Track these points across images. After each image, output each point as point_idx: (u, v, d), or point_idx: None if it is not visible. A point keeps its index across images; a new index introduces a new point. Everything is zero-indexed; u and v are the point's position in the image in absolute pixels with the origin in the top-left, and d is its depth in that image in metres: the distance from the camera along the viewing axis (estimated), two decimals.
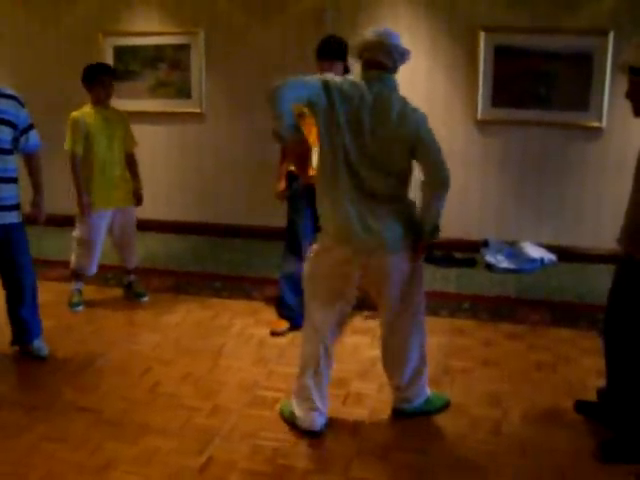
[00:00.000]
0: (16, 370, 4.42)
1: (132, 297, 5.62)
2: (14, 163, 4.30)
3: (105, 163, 5.25)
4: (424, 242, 3.57)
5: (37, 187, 4.55)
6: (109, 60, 7.61)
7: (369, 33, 3.44)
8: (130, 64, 7.70)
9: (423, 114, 3.46)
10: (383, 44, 3.39)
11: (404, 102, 3.45)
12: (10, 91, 4.31)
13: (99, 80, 5.19)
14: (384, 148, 3.36)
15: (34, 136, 4.45)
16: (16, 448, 3.45)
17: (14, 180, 4.29)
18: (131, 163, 5.49)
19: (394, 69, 3.47)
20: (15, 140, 4.30)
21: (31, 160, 4.52)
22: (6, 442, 3.51)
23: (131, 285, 5.67)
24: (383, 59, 3.40)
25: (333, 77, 3.39)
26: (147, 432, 3.61)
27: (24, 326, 4.48)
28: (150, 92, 7.64)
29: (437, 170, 3.45)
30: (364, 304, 4.80)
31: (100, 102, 5.23)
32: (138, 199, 5.50)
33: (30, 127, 4.41)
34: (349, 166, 3.36)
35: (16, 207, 4.31)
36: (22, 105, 4.32)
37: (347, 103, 3.32)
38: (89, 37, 7.68)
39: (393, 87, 3.44)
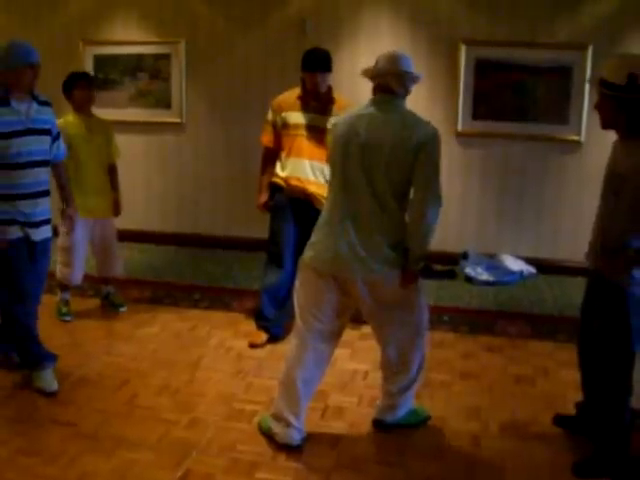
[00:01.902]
0: None
1: (110, 308, 5.57)
2: (48, 175, 4.21)
3: (87, 173, 5.21)
4: (413, 269, 3.53)
5: (69, 197, 4.52)
6: (89, 69, 7.56)
7: (382, 59, 3.51)
8: (110, 73, 7.66)
9: (434, 128, 3.45)
10: (395, 72, 3.45)
11: (414, 116, 3.49)
12: (44, 97, 4.18)
13: (78, 87, 5.16)
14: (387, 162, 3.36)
15: (62, 144, 4.37)
16: None
17: (49, 193, 4.18)
18: (112, 173, 5.45)
19: (404, 94, 3.53)
20: (50, 149, 4.19)
21: (61, 169, 4.44)
22: None
23: (109, 296, 5.62)
24: (394, 86, 3.46)
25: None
26: (123, 445, 3.57)
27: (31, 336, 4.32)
28: (130, 101, 7.60)
29: (432, 184, 3.41)
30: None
31: (81, 109, 5.20)
32: (116, 210, 5.46)
33: (59, 134, 4.32)
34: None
35: (50, 221, 4.21)
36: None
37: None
38: (69, 45, 7.63)
39: (402, 108, 3.50)
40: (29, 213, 4.02)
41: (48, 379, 4.17)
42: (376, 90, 3.52)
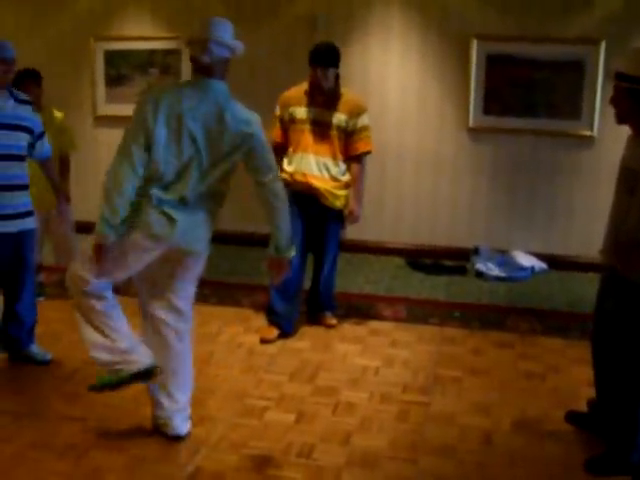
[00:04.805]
0: (4, 377, 4.36)
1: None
2: (26, 170, 4.29)
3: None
4: (285, 258, 3.56)
5: (59, 190, 4.64)
6: (100, 64, 7.59)
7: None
8: (121, 68, 7.67)
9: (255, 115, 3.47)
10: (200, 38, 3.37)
11: (236, 106, 3.46)
12: (25, 96, 4.30)
13: (25, 83, 5.19)
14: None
15: (47, 141, 4.45)
16: (1, 456, 3.41)
17: (27, 187, 4.28)
18: (62, 165, 5.49)
19: (220, 71, 3.45)
20: (30, 146, 4.27)
21: (48, 165, 4.54)
22: None
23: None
24: (197, 54, 3.37)
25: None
26: (134, 441, 3.57)
27: (23, 329, 4.44)
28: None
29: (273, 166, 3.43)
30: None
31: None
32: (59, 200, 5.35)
33: (43, 133, 4.40)
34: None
35: (31, 213, 4.31)
36: (35, 110, 4.29)
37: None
38: (80, 41, 7.64)
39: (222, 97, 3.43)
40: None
41: None
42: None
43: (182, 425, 3.59)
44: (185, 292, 3.63)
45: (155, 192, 3.26)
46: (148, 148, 3.21)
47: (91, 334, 3.42)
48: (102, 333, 3.42)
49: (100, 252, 3.24)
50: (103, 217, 3.18)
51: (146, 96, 3.30)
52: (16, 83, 5.17)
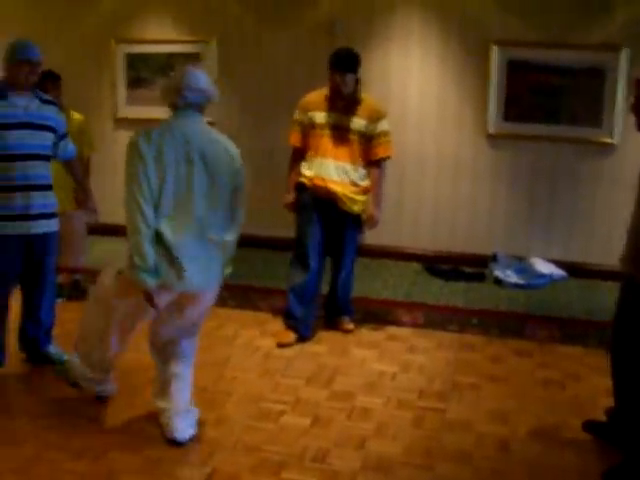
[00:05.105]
0: (21, 378, 4.39)
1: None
2: (50, 170, 4.31)
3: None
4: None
5: (87, 190, 4.64)
6: (120, 67, 7.64)
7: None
8: (142, 71, 7.70)
9: None
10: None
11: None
12: (48, 97, 4.33)
13: (41, 88, 5.23)
14: None
15: (70, 142, 4.46)
16: (19, 456, 3.43)
17: (52, 187, 4.30)
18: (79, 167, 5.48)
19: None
20: (54, 146, 4.29)
21: (73, 165, 4.55)
22: (10, 450, 3.49)
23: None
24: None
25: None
26: (151, 442, 3.58)
27: (42, 329, 4.47)
28: (161, 100, 7.62)
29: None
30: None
31: None
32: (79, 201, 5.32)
33: (67, 133, 4.42)
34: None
35: (55, 215, 4.32)
36: (59, 111, 4.34)
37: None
38: (101, 43, 7.68)
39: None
40: (24, 206, 4.11)
41: None
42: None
43: (183, 429, 3.59)
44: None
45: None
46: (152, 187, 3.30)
47: (93, 328, 3.70)
48: (102, 335, 3.64)
49: (150, 299, 3.37)
50: (136, 266, 3.29)
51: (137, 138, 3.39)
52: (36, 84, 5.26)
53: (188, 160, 3.35)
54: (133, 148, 3.32)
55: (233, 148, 3.56)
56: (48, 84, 5.32)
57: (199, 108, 3.56)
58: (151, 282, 3.29)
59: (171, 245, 3.31)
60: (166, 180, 3.30)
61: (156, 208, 3.30)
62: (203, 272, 3.42)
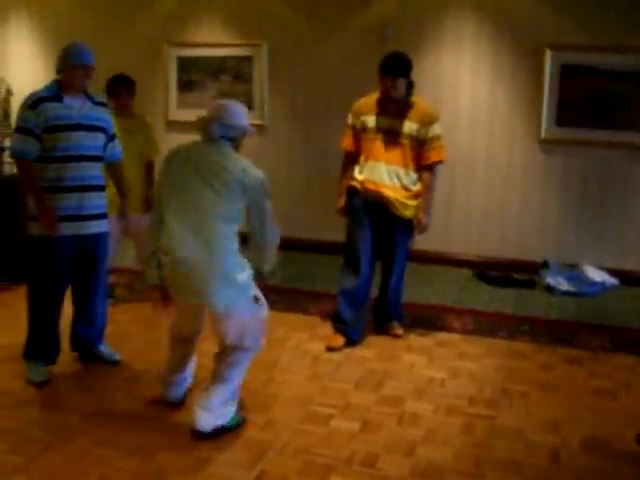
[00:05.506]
0: (73, 376, 4.45)
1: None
2: (102, 171, 4.36)
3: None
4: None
5: (125, 195, 4.64)
6: (173, 70, 7.73)
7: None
8: (193, 74, 7.79)
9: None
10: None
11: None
12: (100, 98, 4.40)
13: (114, 92, 5.38)
14: None
15: (118, 144, 4.51)
16: (70, 452, 3.48)
17: (104, 188, 4.34)
18: (148, 171, 5.58)
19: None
20: (104, 147, 4.34)
21: (118, 168, 4.57)
22: (60, 446, 3.54)
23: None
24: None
25: None
26: (200, 443, 3.60)
27: (94, 330, 4.52)
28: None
29: None
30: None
31: (119, 113, 5.30)
32: (145, 206, 5.43)
33: (115, 135, 4.46)
34: None
35: (106, 216, 4.37)
36: (109, 112, 4.41)
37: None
38: (154, 47, 7.79)
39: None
40: (77, 206, 4.15)
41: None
42: None
43: (204, 421, 3.64)
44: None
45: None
46: None
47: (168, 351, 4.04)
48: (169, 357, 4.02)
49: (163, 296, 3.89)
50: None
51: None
52: (108, 90, 5.35)
53: (196, 174, 3.54)
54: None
55: (252, 168, 3.64)
56: (121, 89, 5.41)
57: (229, 139, 3.64)
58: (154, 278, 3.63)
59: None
60: (170, 194, 3.59)
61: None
62: (215, 292, 3.58)
